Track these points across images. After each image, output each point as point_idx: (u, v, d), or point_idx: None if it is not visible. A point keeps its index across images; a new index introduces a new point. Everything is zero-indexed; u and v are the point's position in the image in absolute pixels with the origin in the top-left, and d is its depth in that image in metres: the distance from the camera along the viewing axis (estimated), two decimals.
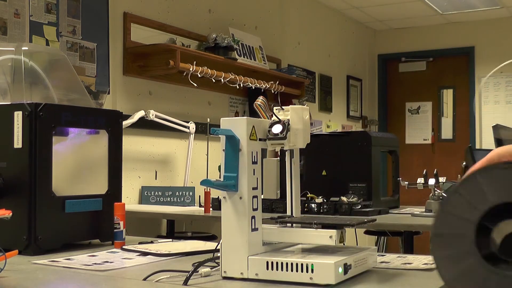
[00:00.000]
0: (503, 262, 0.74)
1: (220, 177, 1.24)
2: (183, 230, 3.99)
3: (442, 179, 2.76)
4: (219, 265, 1.22)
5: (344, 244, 1.23)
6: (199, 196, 3.59)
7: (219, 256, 1.22)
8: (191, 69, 3.86)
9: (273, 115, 1.29)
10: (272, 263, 1.16)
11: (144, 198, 3.83)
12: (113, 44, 3.74)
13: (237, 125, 1.21)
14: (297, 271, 1.14)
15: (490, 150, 1.20)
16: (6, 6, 3.15)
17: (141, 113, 3.63)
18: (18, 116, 1.60)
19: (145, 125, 3.75)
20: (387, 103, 7.29)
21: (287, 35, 5.55)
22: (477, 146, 6.37)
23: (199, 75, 3.95)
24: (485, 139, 6.42)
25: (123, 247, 1.67)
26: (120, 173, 1.83)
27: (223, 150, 1.21)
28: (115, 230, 1.70)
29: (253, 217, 1.20)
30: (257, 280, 1.17)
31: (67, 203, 1.65)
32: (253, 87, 4.50)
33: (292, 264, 1.15)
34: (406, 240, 3.09)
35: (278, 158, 3.02)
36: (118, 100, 3.77)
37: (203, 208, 3.18)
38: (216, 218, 2.93)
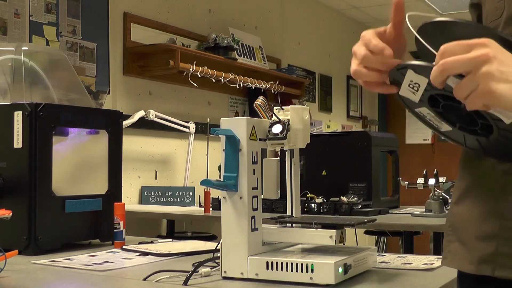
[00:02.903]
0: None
1: (220, 177, 1.24)
2: (183, 230, 3.99)
3: (442, 179, 2.76)
4: (219, 265, 1.22)
5: (344, 244, 1.23)
6: (199, 196, 3.59)
7: (219, 256, 1.22)
8: (191, 69, 3.86)
9: (273, 115, 1.29)
10: (272, 263, 1.16)
11: (144, 198, 3.83)
12: (113, 44, 3.74)
13: (237, 125, 1.21)
14: (297, 271, 1.14)
15: None
16: (6, 6, 3.15)
17: (141, 113, 3.63)
18: (18, 116, 1.60)
19: (145, 125, 3.75)
20: (387, 103, 7.29)
21: (287, 35, 5.55)
22: None
23: (199, 75, 3.95)
24: None
25: (123, 247, 1.67)
26: (120, 173, 1.83)
27: (223, 150, 1.22)
28: (115, 230, 1.70)
29: (253, 217, 1.20)
30: (257, 280, 1.17)
31: (67, 203, 1.65)
32: (253, 87, 4.50)
33: (292, 264, 1.15)
34: (406, 240, 3.09)
35: (278, 158, 3.02)
36: (118, 100, 3.78)
37: (203, 208, 3.18)
38: (216, 218, 2.93)
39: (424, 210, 2.78)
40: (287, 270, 1.15)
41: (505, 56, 0.81)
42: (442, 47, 0.84)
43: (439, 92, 0.88)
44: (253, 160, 1.22)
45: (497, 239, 0.99)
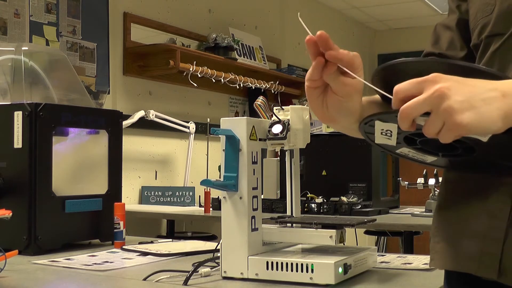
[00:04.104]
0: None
1: (220, 177, 1.24)
2: (183, 230, 3.99)
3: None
4: (219, 265, 1.22)
5: (344, 244, 1.23)
6: (199, 196, 3.59)
7: (219, 256, 1.22)
8: (191, 69, 3.86)
9: (273, 115, 1.29)
10: (272, 263, 1.16)
11: (144, 198, 3.83)
12: (113, 44, 3.74)
13: (237, 125, 1.21)
14: (297, 271, 1.14)
15: None
16: (6, 6, 3.15)
17: (141, 113, 3.63)
18: (18, 116, 1.60)
19: (145, 125, 3.75)
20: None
21: (287, 35, 5.55)
22: None
23: (199, 75, 3.95)
24: None
25: (123, 247, 1.67)
26: (120, 173, 1.83)
27: (223, 150, 1.22)
28: (115, 230, 1.70)
29: (253, 217, 1.20)
30: (257, 280, 1.17)
31: (67, 203, 1.65)
32: (253, 87, 4.50)
33: (292, 264, 1.15)
34: (406, 240, 3.09)
35: (278, 158, 3.02)
36: (118, 100, 3.78)
37: (203, 208, 3.18)
38: (216, 218, 2.93)
39: (424, 210, 2.78)
40: (287, 270, 1.15)
41: (459, 85, 0.81)
42: (395, 89, 0.84)
43: (413, 132, 0.90)
44: (253, 160, 1.22)
45: (484, 238, 0.99)
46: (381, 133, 0.94)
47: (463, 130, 0.80)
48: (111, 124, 1.80)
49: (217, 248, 1.30)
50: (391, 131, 0.93)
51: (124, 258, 1.51)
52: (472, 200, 1.03)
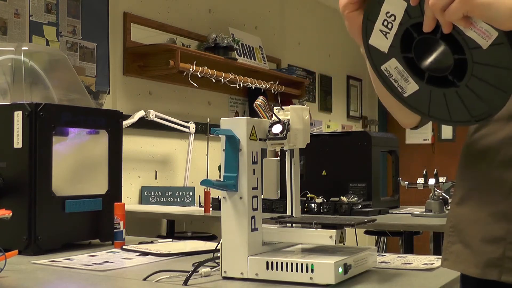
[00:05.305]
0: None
1: (220, 177, 1.24)
2: (183, 230, 3.99)
3: (442, 179, 2.76)
4: (219, 265, 1.22)
5: (344, 244, 1.23)
6: (199, 196, 3.59)
7: (219, 256, 1.22)
8: (191, 69, 3.86)
9: (273, 115, 1.29)
10: (272, 263, 1.16)
11: (144, 198, 3.83)
12: (113, 44, 3.74)
13: (237, 125, 1.21)
14: (297, 271, 1.14)
15: None
16: (6, 6, 3.15)
17: (141, 113, 3.63)
18: (18, 116, 1.60)
19: (145, 125, 3.75)
20: None
21: (287, 35, 5.55)
22: None
23: (199, 75, 3.95)
24: None
25: (123, 247, 1.67)
26: (120, 173, 1.83)
27: (223, 150, 1.22)
28: (115, 230, 1.70)
29: (253, 217, 1.20)
30: (257, 280, 1.17)
31: (67, 203, 1.65)
32: (253, 87, 4.50)
33: (292, 264, 1.15)
34: (406, 240, 3.09)
35: (278, 158, 3.02)
36: (118, 100, 3.78)
37: (203, 208, 3.18)
38: (216, 218, 2.93)
39: (424, 210, 2.78)
40: (287, 270, 1.15)
41: None
42: None
43: (416, 21, 0.87)
44: (253, 160, 1.22)
45: (504, 243, 0.98)
46: (383, 23, 0.91)
47: (473, 5, 0.80)
48: (111, 124, 1.80)
49: (217, 248, 1.31)
50: (395, 18, 0.90)
51: (124, 258, 1.52)
52: (490, 203, 1.02)
